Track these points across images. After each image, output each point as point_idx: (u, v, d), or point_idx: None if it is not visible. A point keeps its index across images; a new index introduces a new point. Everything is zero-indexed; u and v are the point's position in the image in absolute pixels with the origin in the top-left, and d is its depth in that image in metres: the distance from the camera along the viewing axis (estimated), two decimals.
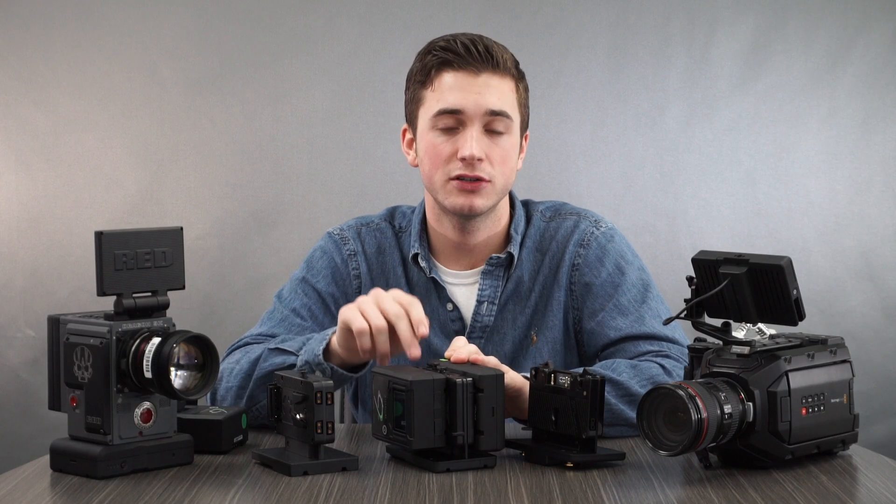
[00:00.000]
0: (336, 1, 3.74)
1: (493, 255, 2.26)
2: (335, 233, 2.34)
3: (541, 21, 3.73)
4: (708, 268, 1.81)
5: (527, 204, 2.34)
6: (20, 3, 3.71)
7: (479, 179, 2.17)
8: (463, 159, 2.17)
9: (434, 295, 2.28)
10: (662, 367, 2.10)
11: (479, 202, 2.19)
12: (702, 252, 1.83)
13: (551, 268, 2.27)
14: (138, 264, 1.78)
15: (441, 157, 2.19)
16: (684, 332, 2.18)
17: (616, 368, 2.06)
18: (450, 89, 2.17)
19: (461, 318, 2.28)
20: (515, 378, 1.96)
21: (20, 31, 3.72)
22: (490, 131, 2.19)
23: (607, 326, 2.21)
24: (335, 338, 2.03)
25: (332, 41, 3.74)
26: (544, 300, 2.27)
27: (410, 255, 2.28)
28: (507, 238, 2.29)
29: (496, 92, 2.18)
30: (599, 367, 2.09)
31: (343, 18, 3.74)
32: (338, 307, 2.28)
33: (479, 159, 2.16)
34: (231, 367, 2.14)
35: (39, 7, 3.72)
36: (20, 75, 3.73)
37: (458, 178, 2.18)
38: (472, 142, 2.16)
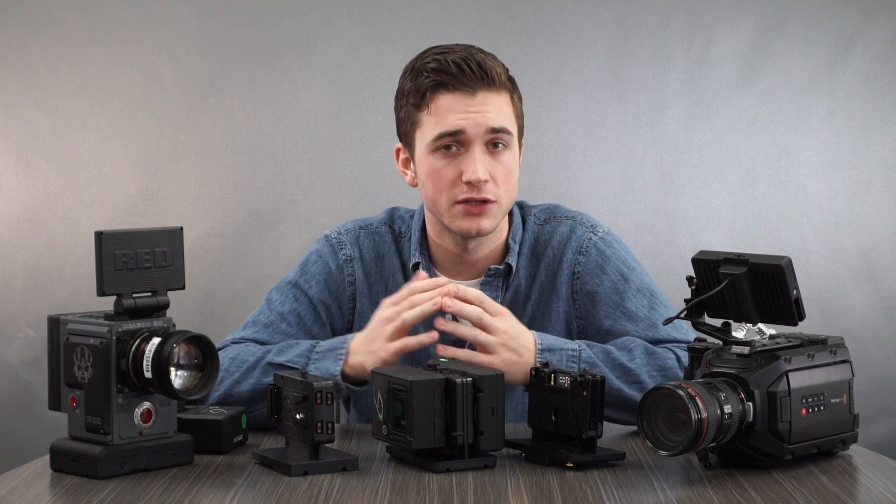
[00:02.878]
0: (336, 1, 3.73)
1: (492, 266, 2.24)
2: (332, 236, 2.30)
3: (541, 21, 3.73)
4: (708, 268, 1.81)
5: (521, 207, 2.31)
6: (20, 3, 3.71)
7: (485, 202, 2.14)
8: (468, 183, 2.12)
9: None
10: (678, 357, 2.09)
11: (486, 224, 2.16)
12: (702, 252, 1.83)
13: (548, 275, 2.25)
14: (138, 264, 1.78)
15: (445, 182, 2.14)
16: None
17: (633, 351, 2.06)
18: (447, 112, 2.12)
19: None
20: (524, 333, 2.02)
21: (20, 31, 3.72)
22: (491, 149, 2.15)
23: (618, 334, 2.19)
24: (352, 362, 2.05)
25: (332, 41, 3.74)
26: (542, 308, 2.25)
27: (411, 264, 2.26)
28: (506, 248, 2.26)
29: (494, 109, 2.13)
30: (615, 345, 2.09)
31: (343, 18, 3.73)
32: (329, 315, 2.26)
33: (485, 181, 2.13)
34: (222, 377, 2.11)
35: (39, 7, 3.71)
36: (20, 75, 3.73)
37: (465, 201, 2.14)
38: (476, 164, 2.12)
